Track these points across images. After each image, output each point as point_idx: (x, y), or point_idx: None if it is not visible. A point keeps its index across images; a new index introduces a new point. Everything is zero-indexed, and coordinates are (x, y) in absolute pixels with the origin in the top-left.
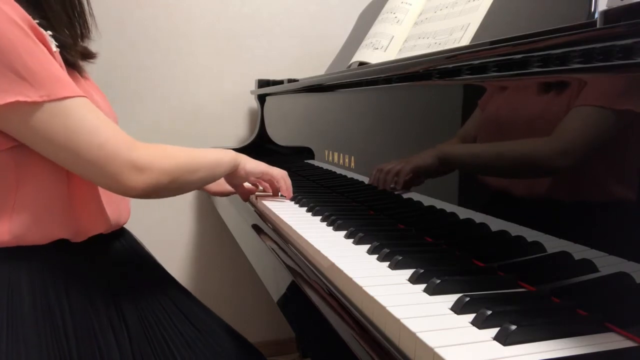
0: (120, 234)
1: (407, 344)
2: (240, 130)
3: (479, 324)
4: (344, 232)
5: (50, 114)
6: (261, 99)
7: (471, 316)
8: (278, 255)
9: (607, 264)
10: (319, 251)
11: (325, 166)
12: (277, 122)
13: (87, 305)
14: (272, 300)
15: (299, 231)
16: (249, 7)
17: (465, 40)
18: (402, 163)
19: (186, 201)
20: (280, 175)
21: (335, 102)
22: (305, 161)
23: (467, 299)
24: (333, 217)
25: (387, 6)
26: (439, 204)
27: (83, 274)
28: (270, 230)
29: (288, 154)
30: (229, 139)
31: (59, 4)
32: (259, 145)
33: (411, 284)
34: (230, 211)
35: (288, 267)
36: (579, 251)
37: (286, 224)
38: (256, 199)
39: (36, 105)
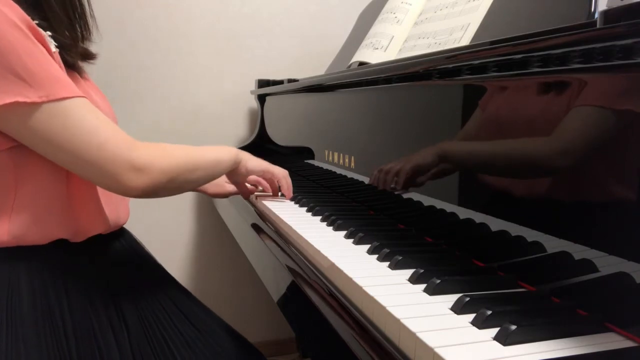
0: (120, 234)
1: (407, 344)
2: (240, 130)
3: (479, 324)
4: (344, 232)
5: (50, 115)
6: (261, 99)
7: (471, 316)
8: (278, 256)
9: (607, 264)
10: (319, 251)
11: (325, 166)
12: (277, 122)
13: (86, 305)
14: (272, 300)
15: (299, 231)
16: (249, 7)
17: (465, 40)
18: (402, 163)
19: (186, 201)
20: (281, 174)
21: (335, 102)
22: (305, 161)
23: (467, 299)
24: (333, 217)
25: (387, 6)
26: (439, 204)
27: (83, 274)
28: (270, 230)
29: (288, 154)
30: (229, 139)
31: (59, 4)
32: (259, 145)
33: (411, 284)
34: (230, 211)
35: (288, 267)
36: (579, 251)
37: (286, 224)
38: (256, 198)
39: (35, 105)
